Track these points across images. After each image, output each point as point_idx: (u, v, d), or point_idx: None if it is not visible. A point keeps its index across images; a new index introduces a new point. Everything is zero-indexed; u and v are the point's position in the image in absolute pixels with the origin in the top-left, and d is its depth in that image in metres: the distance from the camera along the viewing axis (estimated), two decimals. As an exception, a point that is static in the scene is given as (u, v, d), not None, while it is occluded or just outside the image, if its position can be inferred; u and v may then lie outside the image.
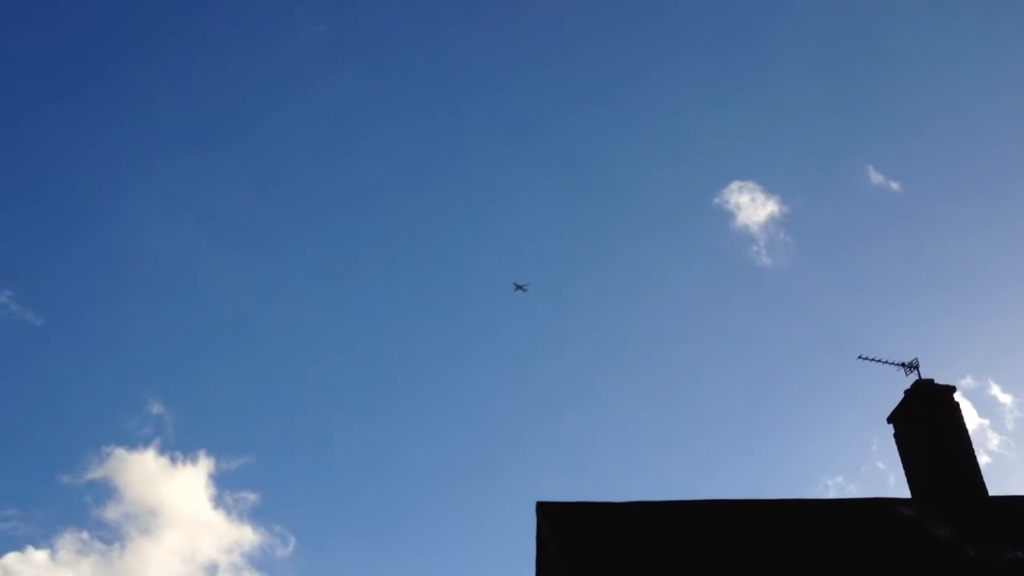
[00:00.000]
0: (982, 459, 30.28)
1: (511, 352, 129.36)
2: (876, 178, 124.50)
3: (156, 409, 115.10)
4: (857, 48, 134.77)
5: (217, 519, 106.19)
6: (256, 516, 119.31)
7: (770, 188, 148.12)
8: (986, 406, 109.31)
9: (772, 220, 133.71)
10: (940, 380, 27.42)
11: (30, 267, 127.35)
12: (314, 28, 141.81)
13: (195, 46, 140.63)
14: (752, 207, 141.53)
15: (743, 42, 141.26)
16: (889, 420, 27.85)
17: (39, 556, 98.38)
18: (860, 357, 27.55)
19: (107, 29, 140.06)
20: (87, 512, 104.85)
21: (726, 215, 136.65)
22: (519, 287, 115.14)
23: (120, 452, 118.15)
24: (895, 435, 27.90)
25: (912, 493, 27.17)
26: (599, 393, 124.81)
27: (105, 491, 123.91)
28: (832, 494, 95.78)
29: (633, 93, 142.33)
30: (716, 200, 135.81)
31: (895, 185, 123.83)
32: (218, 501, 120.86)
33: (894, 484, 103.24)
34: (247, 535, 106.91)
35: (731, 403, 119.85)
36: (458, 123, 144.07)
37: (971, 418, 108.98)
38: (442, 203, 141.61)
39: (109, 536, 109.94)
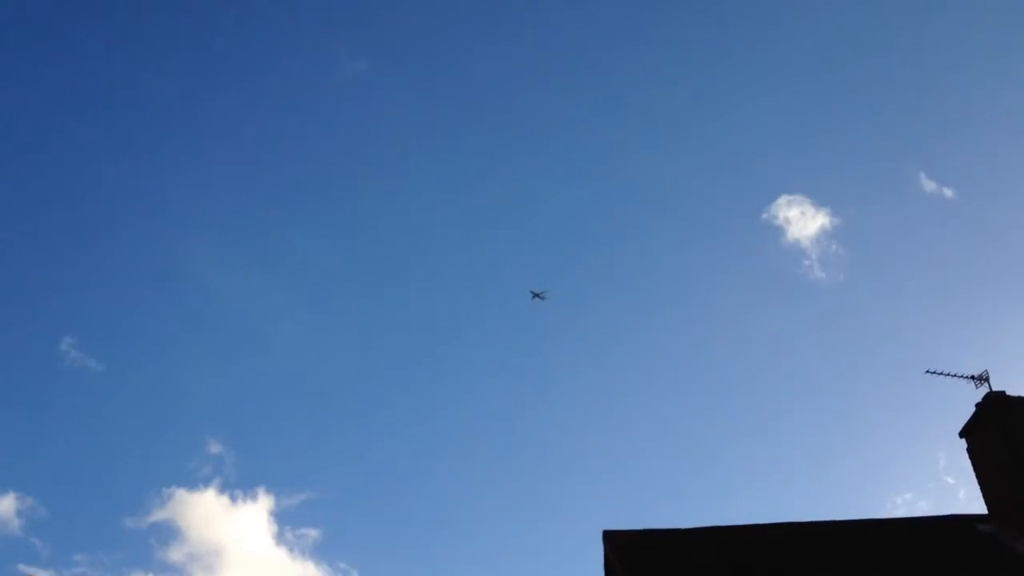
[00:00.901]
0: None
1: (571, 383, 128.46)
2: (929, 185, 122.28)
3: (215, 448, 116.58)
4: (899, 52, 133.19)
5: (280, 556, 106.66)
6: (318, 552, 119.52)
7: (819, 200, 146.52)
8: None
9: (823, 233, 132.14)
10: (1012, 392, 26.66)
11: (90, 314, 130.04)
12: (353, 64, 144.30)
13: (241, 93, 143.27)
14: (802, 221, 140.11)
15: (781, 56, 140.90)
16: (961, 434, 27.12)
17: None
18: (928, 372, 26.87)
19: (163, 86, 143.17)
20: (152, 554, 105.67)
21: (776, 230, 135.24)
22: (536, 295, 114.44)
23: (181, 493, 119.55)
24: (968, 450, 27.16)
25: (988, 509, 26.38)
26: (658, 417, 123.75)
27: (169, 532, 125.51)
28: (902, 512, 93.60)
29: (674, 109, 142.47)
30: (764, 215, 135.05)
31: (949, 191, 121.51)
32: (280, 538, 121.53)
33: (964, 499, 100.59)
34: (310, 571, 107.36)
35: (792, 423, 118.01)
36: (497, 147, 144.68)
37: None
38: (488, 229, 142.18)
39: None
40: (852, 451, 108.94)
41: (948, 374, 27.31)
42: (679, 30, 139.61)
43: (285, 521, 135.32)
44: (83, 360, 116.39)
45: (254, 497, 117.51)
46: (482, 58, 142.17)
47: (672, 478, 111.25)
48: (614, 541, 23.90)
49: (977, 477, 26.93)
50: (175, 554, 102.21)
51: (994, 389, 26.83)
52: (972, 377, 27.10)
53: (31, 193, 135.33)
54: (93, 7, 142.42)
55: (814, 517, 25.60)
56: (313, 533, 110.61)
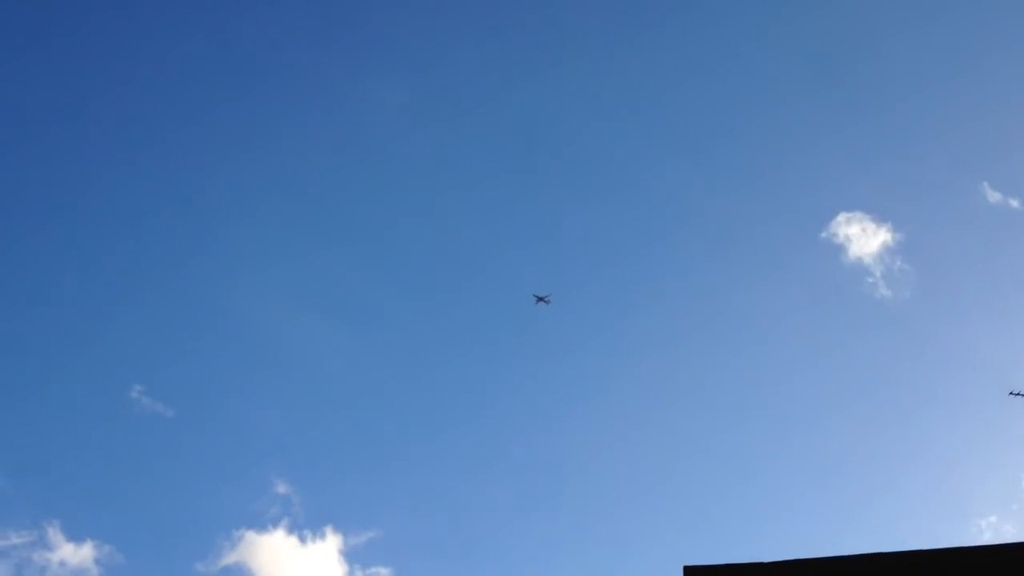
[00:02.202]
0: None
1: (646, 419, 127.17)
2: (993, 196, 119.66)
3: (282, 489, 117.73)
4: (955, 60, 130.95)
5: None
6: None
7: (880, 216, 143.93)
8: None
9: (886, 249, 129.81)
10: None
11: (158, 361, 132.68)
12: (396, 97, 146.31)
13: (291, 135, 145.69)
14: (863, 238, 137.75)
15: (829, 73, 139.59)
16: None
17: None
18: (1012, 393, 26.03)
19: (214, 130, 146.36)
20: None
21: (836, 249, 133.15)
22: (540, 299, 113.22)
23: (250, 535, 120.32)
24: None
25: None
26: (731, 450, 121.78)
27: (240, 575, 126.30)
28: (988, 536, 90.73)
29: (722, 130, 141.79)
30: (824, 234, 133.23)
31: (1015, 202, 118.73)
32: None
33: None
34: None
35: (866, 447, 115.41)
36: (552, 182, 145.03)
37: None
38: (542, 267, 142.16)
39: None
40: (931, 475, 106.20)
41: (1033, 395, 26.49)
42: (724, 51, 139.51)
43: (355, 560, 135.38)
44: (152, 406, 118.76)
45: (322, 536, 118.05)
46: (523, 92, 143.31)
47: (751, 511, 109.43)
48: (695, 577, 23.42)
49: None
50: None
51: (1083, 409, 25.91)
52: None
53: (97, 247, 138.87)
54: (145, 58, 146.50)
55: (896, 546, 24.79)
56: (384, 572, 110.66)
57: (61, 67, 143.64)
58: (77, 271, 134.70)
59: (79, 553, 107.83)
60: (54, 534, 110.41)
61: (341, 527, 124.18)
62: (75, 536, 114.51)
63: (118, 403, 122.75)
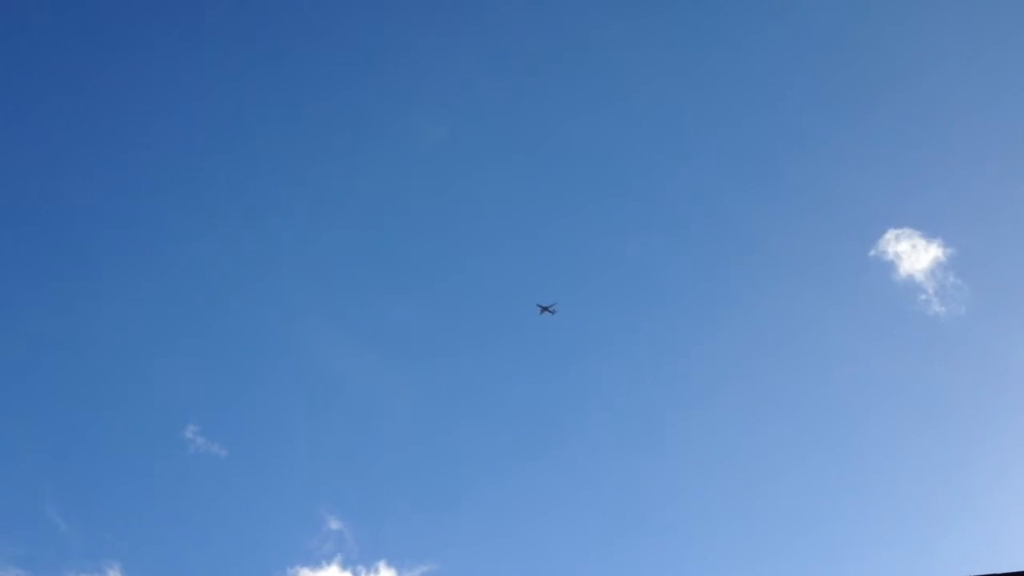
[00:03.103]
0: None
1: (709, 446, 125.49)
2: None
3: (334, 525, 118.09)
4: (1005, 76, 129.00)
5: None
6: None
7: (930, 232, 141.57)
8: None
9: (938, 265, 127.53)
10: None
11: (211, 401, 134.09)
12: (435, 130, 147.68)
13: (335, 170, 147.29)
14: (913, 254, 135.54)
15: (876, 89, 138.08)
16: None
17: None
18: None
19: (261, 168, 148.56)
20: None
21: (886, 266, 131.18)
22: (545, 309, 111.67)
23: (305, 572, 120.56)
24: None
25: None
26: (798, 477, 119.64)
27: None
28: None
29: (765, 147, 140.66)
30: (873, 252, 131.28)
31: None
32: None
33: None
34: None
35: (931, 470, 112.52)
36: (608, 209, 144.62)
37: None
38: (597, 299, 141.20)
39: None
40: (994, 496, 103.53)
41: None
42: (764, 62, 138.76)
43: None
44: (207, 446, 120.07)
45: (376, 572, 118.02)
46: (565, 123, 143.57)
47: (820, 541, 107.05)
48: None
49: None
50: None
51: None
52: None
53: (150, 287, 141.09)
54: (198, 83, 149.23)
55: (975, 570, 24.08)
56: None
57: (124, 103, 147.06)
58: (130, 311, 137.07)
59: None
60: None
61: (395, 562, 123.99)
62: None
63: (173, 444, 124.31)
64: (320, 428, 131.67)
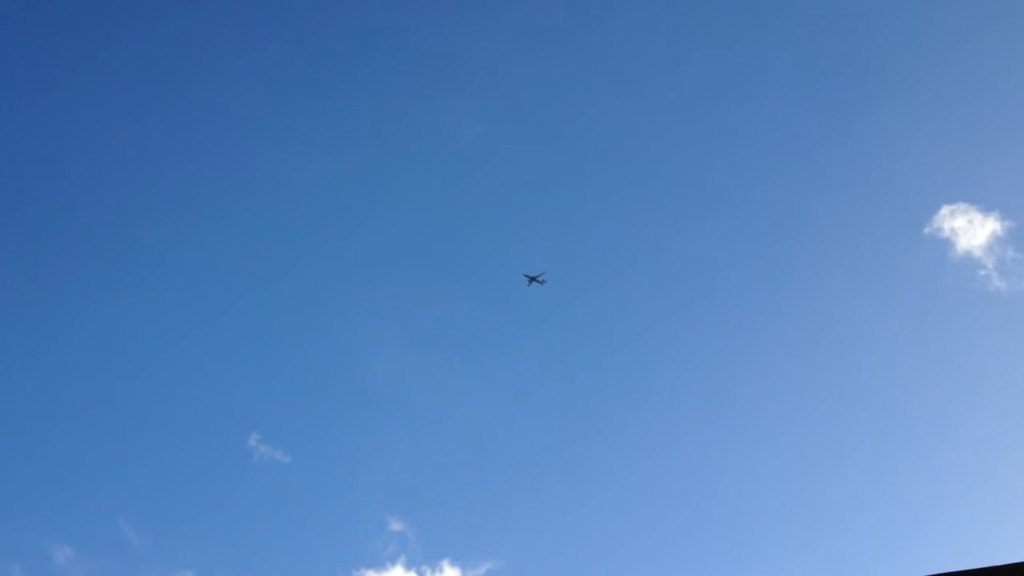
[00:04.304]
0: None
1: (764, 425, 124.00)
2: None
3: (397, 526, 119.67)
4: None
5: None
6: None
7: (985, 206, 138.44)
8: None
9: (996, 239, 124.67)
10: None
11: (272, 410, 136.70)
12: (472, 127, 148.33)
13: (373, 170, 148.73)
14: (970, 230, 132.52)
15: (924, 63, 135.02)
16: None
17: None
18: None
19: (304, 175, 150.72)
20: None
21: (943, 243, 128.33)
22: (533, 279, 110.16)
23: (370, 574, 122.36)
24: None
25: None
26: (858, 455, 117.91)
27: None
28: None
29: (810, 126, 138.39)
30: (927, 230, 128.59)
31: None
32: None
33: None
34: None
35: (996, 448, 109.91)
36: (644, 200, 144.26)
37: None
38: (634, 288, 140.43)
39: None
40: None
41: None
42: (807, 38, 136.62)
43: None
44: (271, 453, 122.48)
45: (440, 570, 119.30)
46: (605, 119, 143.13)
47: (890, 517, 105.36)
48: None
49: None
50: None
51: None
52: None
53: (204, 303, 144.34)
54: (239, 109, 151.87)
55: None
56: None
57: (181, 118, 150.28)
58: (190, 327, 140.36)
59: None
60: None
61: (458, 560, 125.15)
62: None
63: (238, 453, 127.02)
64: (379, 431, 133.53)
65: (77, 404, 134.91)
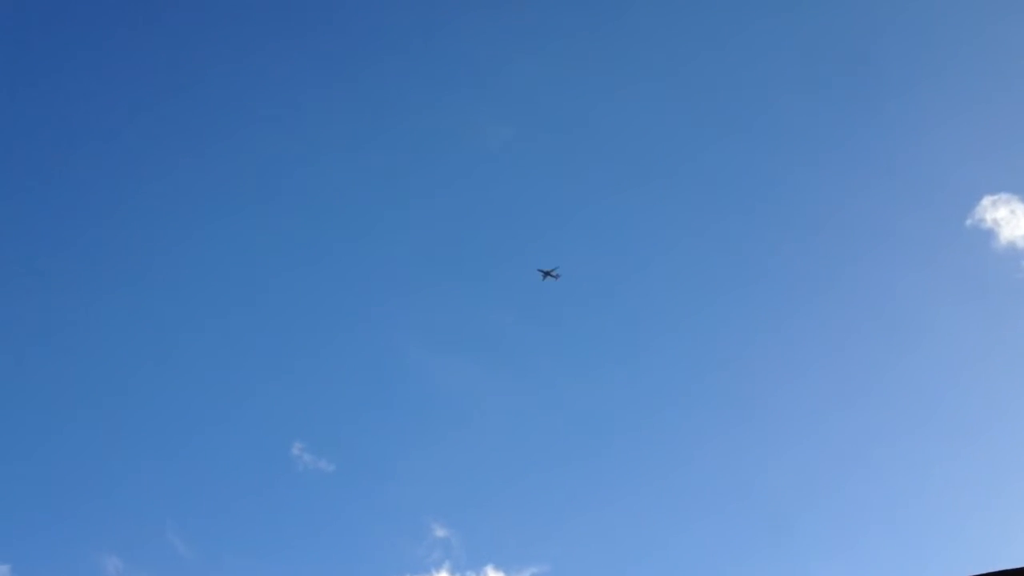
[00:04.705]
0: None
1: (802, 422, 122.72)
2: None
3: (440, 532, 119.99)
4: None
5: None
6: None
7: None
8: None
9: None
10: None
11: (315, 419, 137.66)
12: (500, 131, 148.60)
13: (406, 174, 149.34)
14: (1013, 220, 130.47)
15: (959, 52, 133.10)
16: None
17: None
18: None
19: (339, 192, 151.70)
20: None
21: (985, 235, 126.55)
22: (547, 273, 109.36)
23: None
24: None
25: None
26: (900, 449, 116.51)
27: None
28: None
29: (854, 124, 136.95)
30: (969, 221, 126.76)
31: None
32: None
33: None
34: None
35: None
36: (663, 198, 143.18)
37: None
38: (678, 295, 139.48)
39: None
40: None
41: None
42: (848, 30, 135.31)
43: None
44: (314, 462, 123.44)
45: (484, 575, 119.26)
46: (631, 121, 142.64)
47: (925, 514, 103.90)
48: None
49: None
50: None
51: None
52: None
53: (245, 312, 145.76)
54: (272, 118, 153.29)
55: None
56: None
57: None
58: (231, 336, 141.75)
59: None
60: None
61: (503, 565, 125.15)
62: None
63: (281, 462, 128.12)
64: (421, 437, 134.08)
65: (123, 418, 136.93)
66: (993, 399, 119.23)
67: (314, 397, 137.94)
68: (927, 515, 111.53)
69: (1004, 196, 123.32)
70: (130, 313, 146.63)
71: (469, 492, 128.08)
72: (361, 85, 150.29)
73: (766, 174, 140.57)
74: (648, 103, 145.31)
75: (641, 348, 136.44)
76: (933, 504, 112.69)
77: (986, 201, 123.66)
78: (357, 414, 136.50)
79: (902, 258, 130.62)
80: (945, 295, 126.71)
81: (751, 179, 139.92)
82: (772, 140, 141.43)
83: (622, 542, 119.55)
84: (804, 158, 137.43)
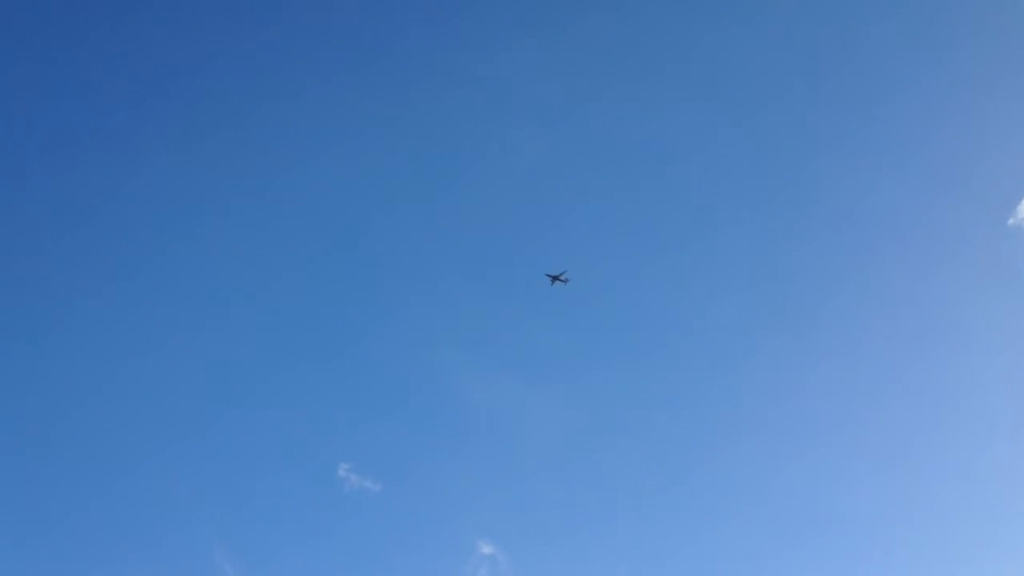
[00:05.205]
0: None
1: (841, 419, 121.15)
2: None
3: (487, 549, 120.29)
4: None
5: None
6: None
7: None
8: None
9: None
10: None
11: (360, 440, 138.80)
12: (531, 146, 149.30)
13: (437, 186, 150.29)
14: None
15: (1009, 55, 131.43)
16: None
17: None
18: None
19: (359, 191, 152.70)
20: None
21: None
22: (556, 278, 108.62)
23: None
24: None
25: None
26: (949, 450, 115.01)
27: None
28: None
29: (889, 122, 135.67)
30: (1011, 221, 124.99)
31: None
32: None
33: None
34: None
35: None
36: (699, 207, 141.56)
37: None
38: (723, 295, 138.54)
39: None
40: None
41: None
42: (884, 34, 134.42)
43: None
44: (361, 482, 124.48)
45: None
46: (662, 136, 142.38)
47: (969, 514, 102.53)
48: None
49: None
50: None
51: None
52: None
53: (287, 337, 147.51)
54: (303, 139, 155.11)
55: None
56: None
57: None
58: (274, 361, 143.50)
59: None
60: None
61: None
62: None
63: (329, 484, 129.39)
64: (465, 455, 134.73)
65: (171, 437, 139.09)
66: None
67: (358, 418, 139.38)
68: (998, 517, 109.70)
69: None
70: (175, 338, 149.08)
71: (514, 508, 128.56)
72: (396, 105, 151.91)
73: (807, 177, 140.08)
74: (690, 112, 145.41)
75: (701, 371, 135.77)
76: (978, 508, 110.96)
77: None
78: (402, 434, 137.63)
79: (944, 257, 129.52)
80: (988, 292, 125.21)
81: (770, 177, 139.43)
82: (811, 140, 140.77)
83: (672, 557, 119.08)
84: (857, 160, 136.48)
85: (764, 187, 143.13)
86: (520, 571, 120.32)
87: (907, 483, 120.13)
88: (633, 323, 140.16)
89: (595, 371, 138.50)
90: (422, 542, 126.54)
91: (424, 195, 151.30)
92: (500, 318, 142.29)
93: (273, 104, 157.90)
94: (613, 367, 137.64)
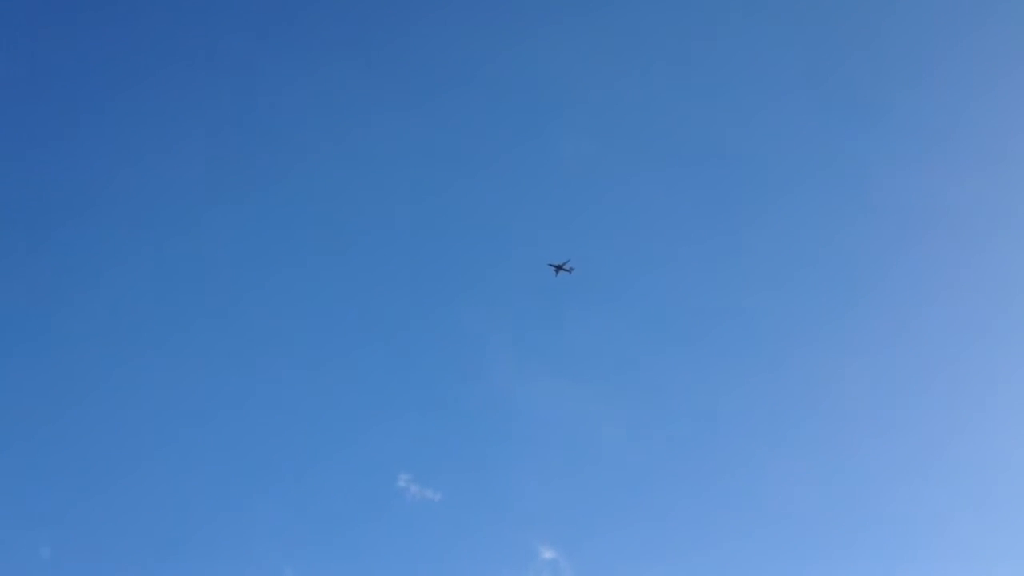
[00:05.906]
0: None
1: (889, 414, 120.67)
2: None
3: (548, 554, 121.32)
4: None
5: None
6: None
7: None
8: None
9: None
10: None
11: (419, 449, 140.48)
12: (581, 146, 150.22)
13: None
14: None
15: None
16: None
17: None
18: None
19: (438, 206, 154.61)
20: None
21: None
22: (560, 268, 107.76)
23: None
24: None
25: None
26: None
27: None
28: None
29: (940, 113, 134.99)
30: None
31: None
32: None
33: None
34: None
35: None
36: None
37: None
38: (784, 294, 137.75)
39: None
40: None
41: None
42: (922, 31, 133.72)
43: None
44: (421, 492, 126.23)
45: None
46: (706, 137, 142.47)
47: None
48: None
49: None
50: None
51: None
52: None
53: (349, 349, 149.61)
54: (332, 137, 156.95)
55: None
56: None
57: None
58: (333, 375, 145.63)
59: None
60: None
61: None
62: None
63: (389, 495, 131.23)
64: (525, 460, 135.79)
65: (234, 454, 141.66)
66: None
67: (416, 427, 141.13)
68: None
69: None
70: (235, 349, 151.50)
71: (575, 512, 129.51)
72: (438, 105, 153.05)
73: (849, 171, 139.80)
74: (737, 110, 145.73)
75: (753, 367, 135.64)
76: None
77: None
78: (461, 441, 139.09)
79: (985, 255, 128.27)
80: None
81: (839, 182, 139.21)
82: (858, 126, 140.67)
83: (731, 566, 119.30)
84: (902, 154, 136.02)
85: (806, 176, 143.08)
86: (582, 575, 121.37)
87: (945, 485, 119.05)
88: (673, 319, 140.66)
89: (645, 368, 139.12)
90: (484, 549, 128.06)
91: (487, 202, 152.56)
92: (546, 320, 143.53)
93: (273, 105, 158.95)
94: (661, 363, 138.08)
